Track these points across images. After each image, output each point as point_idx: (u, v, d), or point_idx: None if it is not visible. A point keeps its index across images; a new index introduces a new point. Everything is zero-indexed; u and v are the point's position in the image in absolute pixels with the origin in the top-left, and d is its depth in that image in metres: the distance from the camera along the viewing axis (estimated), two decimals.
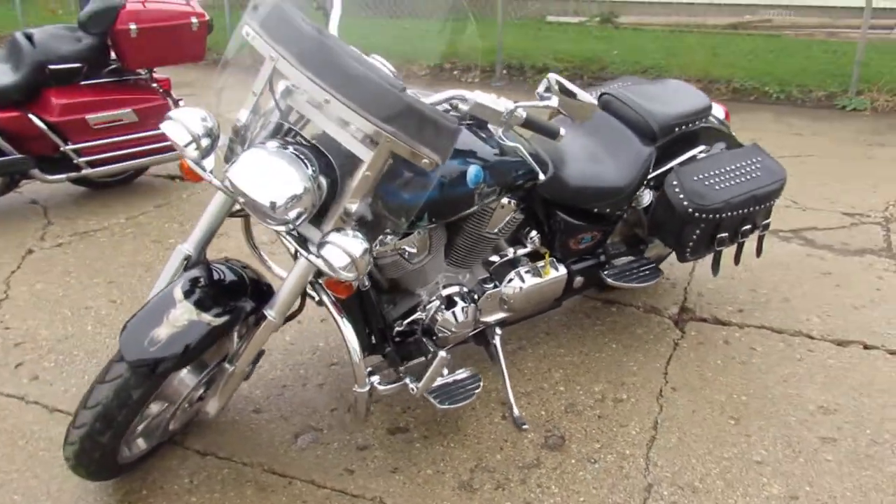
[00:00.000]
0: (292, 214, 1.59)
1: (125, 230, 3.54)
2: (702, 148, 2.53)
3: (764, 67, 6.12)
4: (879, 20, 7.11)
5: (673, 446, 2.11)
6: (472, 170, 1.89)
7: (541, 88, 1.77)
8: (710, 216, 2.31)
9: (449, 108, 1.74)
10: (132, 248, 3.34)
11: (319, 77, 1.56)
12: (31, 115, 3.39)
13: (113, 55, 3.64)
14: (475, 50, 6.77)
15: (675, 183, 2.33)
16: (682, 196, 2.31)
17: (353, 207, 1.67)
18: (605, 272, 2.48)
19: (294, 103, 1.72)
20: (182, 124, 1.72)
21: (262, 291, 1.87)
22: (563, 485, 1.98)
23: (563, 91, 1.73)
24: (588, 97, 1.74)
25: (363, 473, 2.02)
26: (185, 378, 1.90)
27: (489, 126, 2.02)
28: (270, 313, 1.77)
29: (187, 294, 1.75)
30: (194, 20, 3.68)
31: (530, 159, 2.06)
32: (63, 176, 3.59)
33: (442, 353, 1.91)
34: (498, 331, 2.29)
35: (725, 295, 2.90)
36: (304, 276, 1.77)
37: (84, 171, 3.60)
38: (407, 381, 1.95)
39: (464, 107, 1.71)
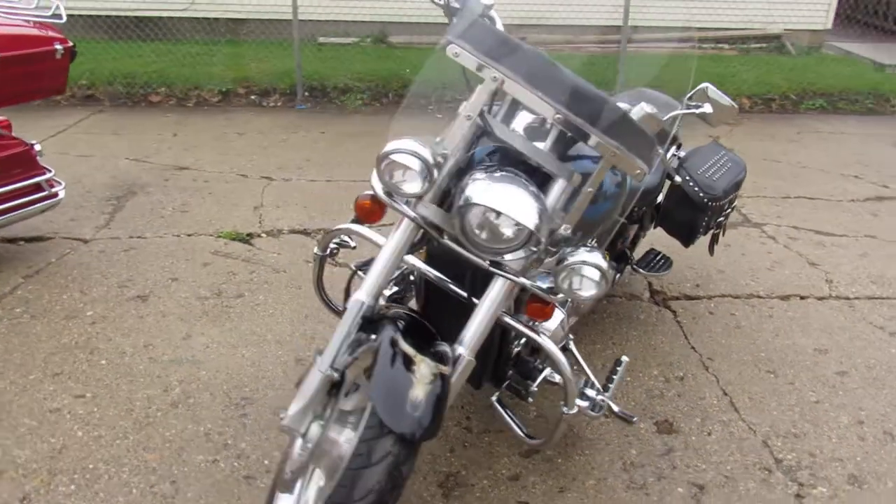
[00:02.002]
0: (543, 233, 1.54)
1: (12, 312, 2.80)
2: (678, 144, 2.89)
3: None
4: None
5: (752, 405, 2.42)
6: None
7: (688, 97, 1.93)
8: (715, 204, 2.68)
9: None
10: (45, 331, 2.68)
11: (549, 95, 1.54)
12: None
13: None
14: (269, 74, 6.53)
15: (687, 178, 2.64)
16: (696, 189, 2.63)
17: (572, 226, 1.66)
18: (635, 265, 2.71)
19: (508, 123, 1.64)
20: (411, 154, 1.52)
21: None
22: (703, 459, 2.17)
23: (712, 98, 1.92)
24: (730, 101, 1.95)
25: (535, 501, 1.98)
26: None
27: None
28: (463, 350, 1.66)
29: (411, 346, 1.57)
30: (58, 47, 3.04)
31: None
32: None
33: (625, 358, 1.95)
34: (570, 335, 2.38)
35: (674, 275, 3.32)
36: (500, 306, 1.70)
37: None
38: (602, 397, 1.93)
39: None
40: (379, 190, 1.65)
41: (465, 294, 1.77)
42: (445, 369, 1.57)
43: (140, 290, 3.00)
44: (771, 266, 3.46)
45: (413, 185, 1.55)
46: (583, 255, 1.60)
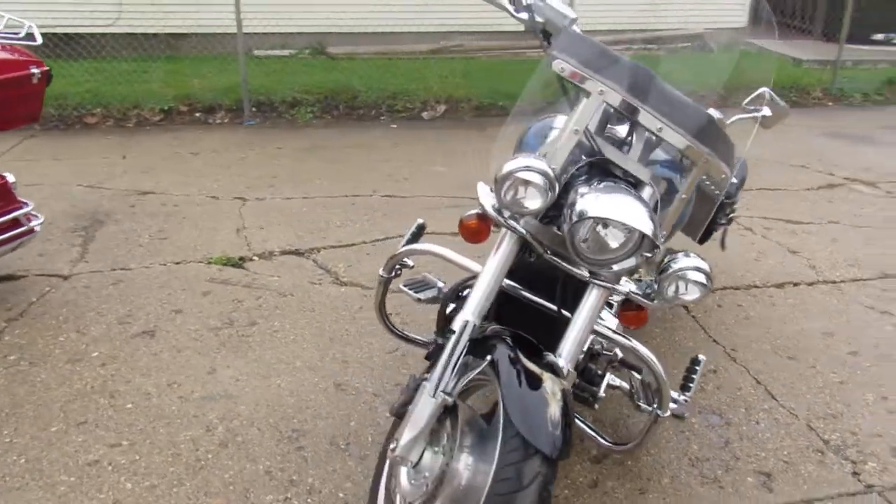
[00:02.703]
0: (659, 239, 1.56)
1: (6, 361, 2.57)
2: None
3: (492, 85, 6.95)
4: None
5: (787, 391, 2.53)
6: None
7: (747, 101, 2.00)
8: (727, 201, 2.78)
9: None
10: (51, 378, 2.47)
11: (650, 105, 1.57)
12: None
13: None
14: (212, 90, 6.29)
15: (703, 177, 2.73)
16: (712, 186, 2.72)
17: (668, 232, 1.69)
18: None
19: (607, 135, 1.65)
20: (537, 171, 1.50)
21: None
22: (759, 447, 2.25)
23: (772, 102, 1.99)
24: (785, 104, 2.03)
25: None
26: None
27: None
28: (565, 363, 1.66)
29: (531, 361, 1.55)
30: (35, 70, 2.82)
31: None
32: None
33: (703, 357, 1.99)
34: None
35: None
36: (596, 315, 1.71)
37: None
38: (685, 397, 1.96)
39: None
40: (490, 208, 1.62)
41: (555, 308, 1.77)
42: (566, 384, 1.56)
43: (143, 325, 2.82)
44: (757, 257, 3.62)
45: (535, 201, 1.53)
46: (687, 260, 1.63)
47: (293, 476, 2.07)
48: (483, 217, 1.66)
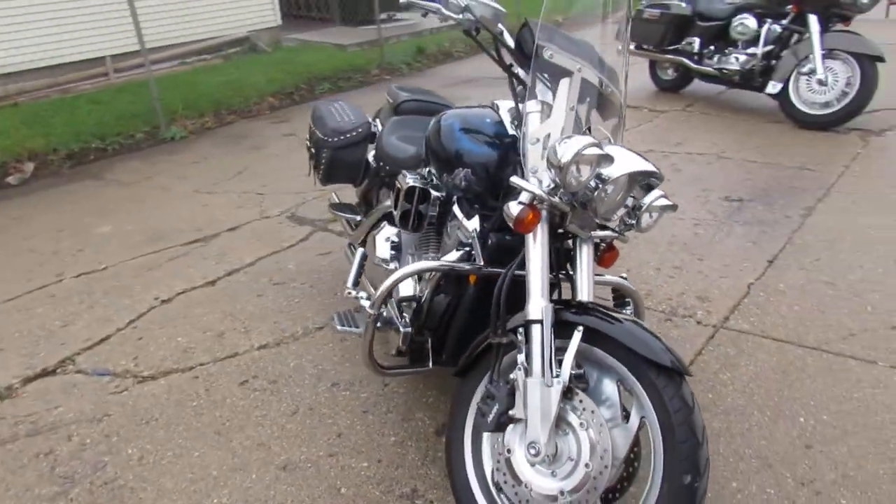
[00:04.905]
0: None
1: None
2: None
3: (70, 127, 6.01)
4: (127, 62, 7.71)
5: None
6: None
7: None
8: None
9: None
10: None
11: (603, 74, 1.85)
12: None
13: None
14: None
15: None
16: None
17: None
18: None
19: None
20: (593, 146, 1.60)
21: None
22: None
23: None
24: None
25: None
26: None
27: None
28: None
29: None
30: None
31: None
32: None
33: None
34: None
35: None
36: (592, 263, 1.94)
37: None
38: None
39: None
40: (538, 189, 1.68)
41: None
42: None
43: None
44: None
45: (587, 174, 1.65)
46: (653, 193, 1.94)
47: None
48: (531, 205, 1.71)
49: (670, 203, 1.89)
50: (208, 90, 7.05)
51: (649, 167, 1.75)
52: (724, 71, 5.57)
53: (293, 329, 2.99)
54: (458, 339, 2.12)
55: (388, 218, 2.61)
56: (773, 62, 5.29)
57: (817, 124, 5.09)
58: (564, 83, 1.76)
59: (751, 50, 5.40)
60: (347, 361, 2.73)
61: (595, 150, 1.63)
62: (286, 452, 2.27)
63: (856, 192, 4.03)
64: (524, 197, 1.71)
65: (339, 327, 2.34)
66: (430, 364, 2.20)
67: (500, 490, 1.82)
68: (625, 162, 1.73)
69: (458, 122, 2.12)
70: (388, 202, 2.60)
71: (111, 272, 3.64)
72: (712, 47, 5.77)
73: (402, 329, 2.12)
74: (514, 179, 1.73)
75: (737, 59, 5.50)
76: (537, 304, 1.70)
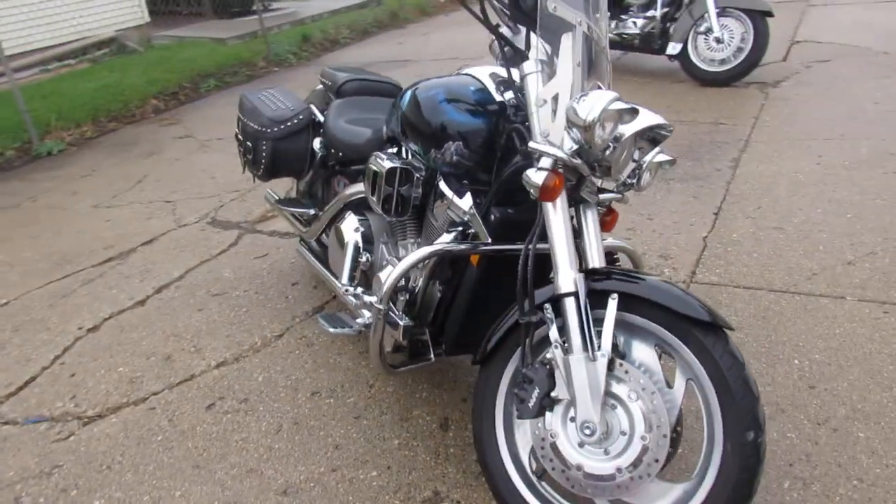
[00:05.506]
0: None
1: None
2: None
3: None
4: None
5: None
6: None
7: None
8: None
9: None
10: None
11: (597, 25, 1.75)
12: None
13: None
14: None
15: None
16: None
17: None
18: None
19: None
20: (617, 99, 1.50)
21: None
22: None
23: None
24: None
25: None
26: None
27: None
28: None
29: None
30: None
31: None
32: None
33: None
34: None
35: None
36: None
37: None
38: None
39: None
40: (562, 153, 1.55)
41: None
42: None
43: None
44: None
45: (610, 129, 1.55)
46: (653, 151, 1.86)
47: None
48: (555, 171, 1.58)
49: (670, 157, 1.84)
50: (82, 97, 6.44)
51: (661, 120, 1.68)
52: (624, 36, 5.67)
53: (250, 340, 2.73)
54: (461, 326, 1.98)
55: (352, 207, 2.42)
56: (670, 24, 5.44)
57: (718, 81, 5.28)
58: (567, 38, 1.64)
59: (649, 13, 5.52)
60: (322, 367, 2.51)
61: (620, 105, 1.52)
62: (282, 475, 2.05)
63: (772, 140, 4.19)
64: (545, 162, 1.58)
65: (332, 330, 2.13)
66: (433, 356, 2.05)
67: (540, 478, 1.71)
68: (640, 116, 1.65)
69: (440, 92, 1.95)
70: (352, 189, 2.41)
71: (18, 306, 3.20)
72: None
73: (400, 322, 1.95)
74: (534, 144, 1.60)
75: (635, 23, 5.61)
76: (568, 276, 1.59)
